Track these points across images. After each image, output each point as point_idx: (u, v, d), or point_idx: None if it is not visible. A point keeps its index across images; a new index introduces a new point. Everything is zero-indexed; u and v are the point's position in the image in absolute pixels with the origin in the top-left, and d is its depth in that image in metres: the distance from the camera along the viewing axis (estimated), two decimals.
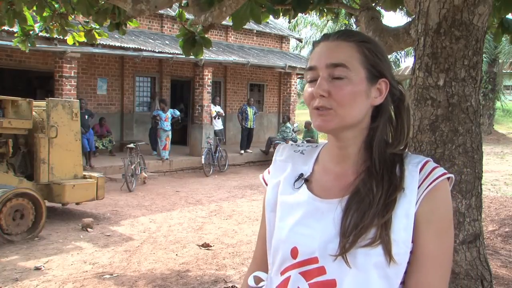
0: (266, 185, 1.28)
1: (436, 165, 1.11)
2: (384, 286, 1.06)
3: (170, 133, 12.88)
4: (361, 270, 1.05)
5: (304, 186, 1.18)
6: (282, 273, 1.15)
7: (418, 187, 1.08)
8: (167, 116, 12.86)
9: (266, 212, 1.25)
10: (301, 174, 1.20)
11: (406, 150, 1.17)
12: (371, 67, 1.11)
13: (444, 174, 1.09)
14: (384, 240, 1.04)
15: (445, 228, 1.09)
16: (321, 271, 1.08)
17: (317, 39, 1.20)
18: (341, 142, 1.14)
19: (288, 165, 1.24)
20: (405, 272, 1.08)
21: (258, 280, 1.26)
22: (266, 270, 1.26)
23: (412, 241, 1.07)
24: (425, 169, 1.10)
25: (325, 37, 1.16)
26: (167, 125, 12.83)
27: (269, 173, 1.29)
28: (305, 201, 1.15)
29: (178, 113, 13.39)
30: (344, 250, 1.05)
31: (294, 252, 1.13)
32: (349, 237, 1.05)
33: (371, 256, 1.04)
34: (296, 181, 1.20)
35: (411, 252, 1.08)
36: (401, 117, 1.16)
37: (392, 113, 1.17)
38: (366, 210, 1.06)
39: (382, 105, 1.14)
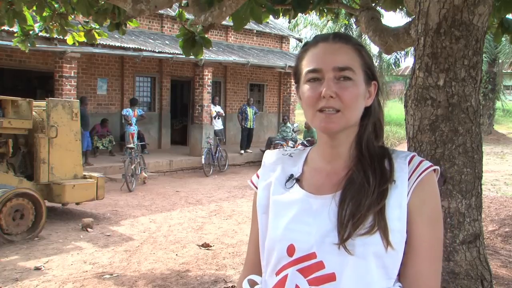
0: (256, 188, 1.29)
1: (422, 158, 1.16)
2: (382, 275, 1.09)
3: (127, 133, 12.10)
4: (360, 260, 1.07)
5: (296, 185, 1.20)
6: (278, 273, 1.15)
7: (408, 179, 1.12)
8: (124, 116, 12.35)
9: (258, 214, 1.25)
10: (292, 175, 1.22)
11: (387, 145, 1.26)
12: (368, 70, 1.18)
13: (431, 166, 1.14)
14: (381, 226, 1.07)
15: (436, 218, 1.13)
16: (320, 266, 1.09)
17: (309, 40, 1.25)
18: (335, 141, 1.18)
19: (277, 166, 1.26)
20: (401, 264, 1.12)
21: (252, 283, 1.26)
22: (259, 274, 1.26)
23: (406, 232, 1.11)
24: (413, 162, 1.14)
25: (324, 38, 1.19)
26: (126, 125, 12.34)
27: (258, 177, 1.30)
28: (299, 198, 1.17)
29: (126, 112, 12.26)
30: (343, 240, 1.07)
31: (290, 250, 1.13)
32: (347, 227, 1.07)
33: (370, 245, 1.07)
34: (287, 181, 1.22)
35: (405, 243, 1.11)
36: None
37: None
38: (362, 199, 1.09)
39: (370, 105, 1.21)
